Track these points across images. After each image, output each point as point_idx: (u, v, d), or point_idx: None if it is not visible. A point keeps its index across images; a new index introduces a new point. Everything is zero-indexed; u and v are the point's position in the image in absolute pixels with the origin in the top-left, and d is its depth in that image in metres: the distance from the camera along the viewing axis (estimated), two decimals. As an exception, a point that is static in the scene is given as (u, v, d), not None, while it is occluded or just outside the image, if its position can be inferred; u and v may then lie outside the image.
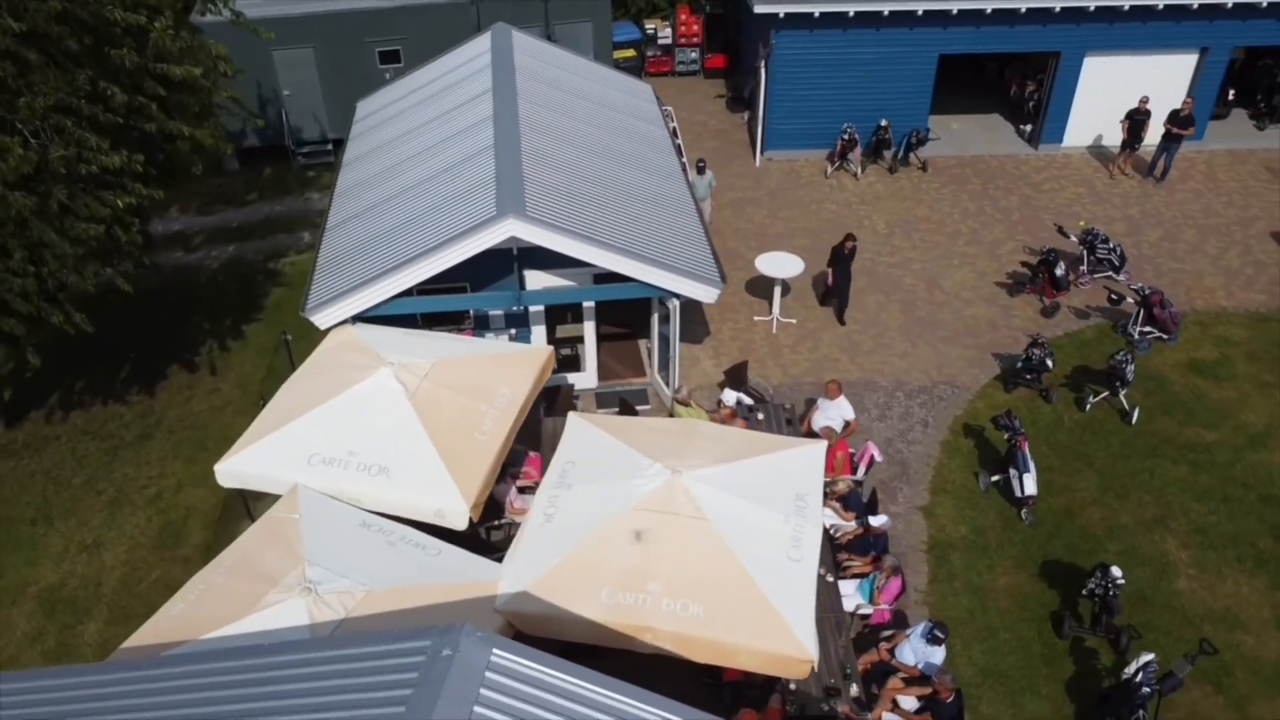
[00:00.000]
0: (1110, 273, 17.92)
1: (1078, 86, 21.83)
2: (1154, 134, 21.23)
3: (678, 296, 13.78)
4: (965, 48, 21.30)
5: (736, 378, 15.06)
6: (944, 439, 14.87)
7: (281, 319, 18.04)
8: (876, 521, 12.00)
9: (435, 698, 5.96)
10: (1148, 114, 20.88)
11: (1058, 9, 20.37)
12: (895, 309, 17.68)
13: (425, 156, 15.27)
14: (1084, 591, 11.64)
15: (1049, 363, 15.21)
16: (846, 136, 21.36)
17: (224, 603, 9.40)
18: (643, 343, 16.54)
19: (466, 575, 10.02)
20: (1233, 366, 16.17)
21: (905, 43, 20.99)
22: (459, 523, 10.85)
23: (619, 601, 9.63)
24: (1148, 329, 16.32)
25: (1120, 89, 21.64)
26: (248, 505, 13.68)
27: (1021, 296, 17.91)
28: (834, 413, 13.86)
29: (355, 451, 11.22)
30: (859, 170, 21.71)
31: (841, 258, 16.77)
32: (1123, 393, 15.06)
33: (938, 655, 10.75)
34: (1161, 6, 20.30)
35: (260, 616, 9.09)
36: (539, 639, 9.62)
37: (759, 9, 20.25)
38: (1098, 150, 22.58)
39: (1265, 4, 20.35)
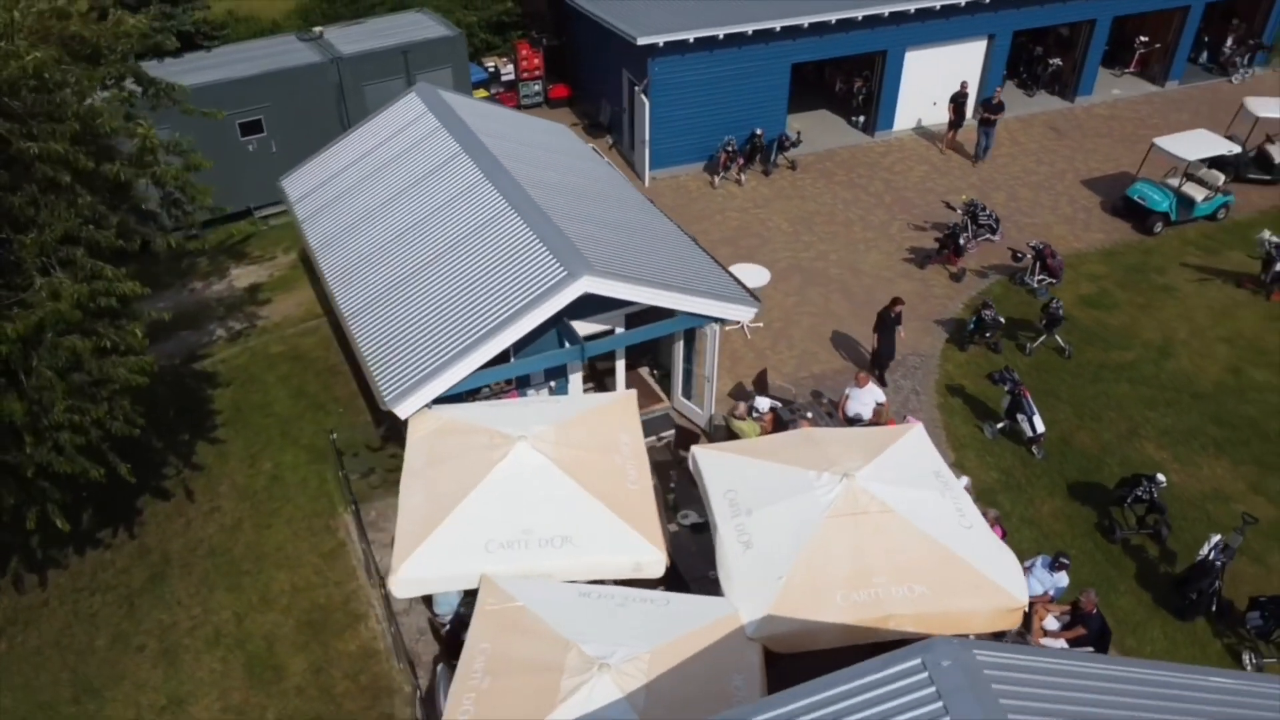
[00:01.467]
0: (989, 235, 20.91)
1: (901, 78, 24.91)
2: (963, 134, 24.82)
3: (721, 321, 14.75)
4: (812, 56, 23.66)
5: (761, 386, 16.25)
6: (938, 402, 16.93)
7: (250, 420, 16.90)
8: (964, 483, 13.72)
9: (969, 701, 6.82)
10: (966, 95, 24.30)
11: (886, 14, 23.19)
12: (838, 298, 19.59)
13: (429, 225, 15.06)
14: (1130, 500, 14.03)
15: (1000, 319, 17.72)
16: (730, 148, 23.03)
17: (518, 704, 9.35)
18: (642, 370, 17.26)
19: (708, 616, 10.54)
20: (1113, 297, 19.58)
21: (764, 57, 22.96)
22: (657, 571, 11.28)
23: (854, 600, 10.62)
24: (1042, 277, 19.33)
25: (930, 77, 25.01)
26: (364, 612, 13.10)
27: (930, 268, 20.45)
28: (867, 399, 15.43)
29: (530, 529, 11.29)
30: (741, 178, 23.46)
31: (888, 322, 16.78)
32: (1057, 333, 17.88)
33: (1063, 580, 12.66)
34: (964, 3, 23.70)
35: (573, 703, 9.18)
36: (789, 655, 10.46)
37: (642, 41, 21.36)
38: (923, 132, 25.86)
39: (1038, -7, 24.41)
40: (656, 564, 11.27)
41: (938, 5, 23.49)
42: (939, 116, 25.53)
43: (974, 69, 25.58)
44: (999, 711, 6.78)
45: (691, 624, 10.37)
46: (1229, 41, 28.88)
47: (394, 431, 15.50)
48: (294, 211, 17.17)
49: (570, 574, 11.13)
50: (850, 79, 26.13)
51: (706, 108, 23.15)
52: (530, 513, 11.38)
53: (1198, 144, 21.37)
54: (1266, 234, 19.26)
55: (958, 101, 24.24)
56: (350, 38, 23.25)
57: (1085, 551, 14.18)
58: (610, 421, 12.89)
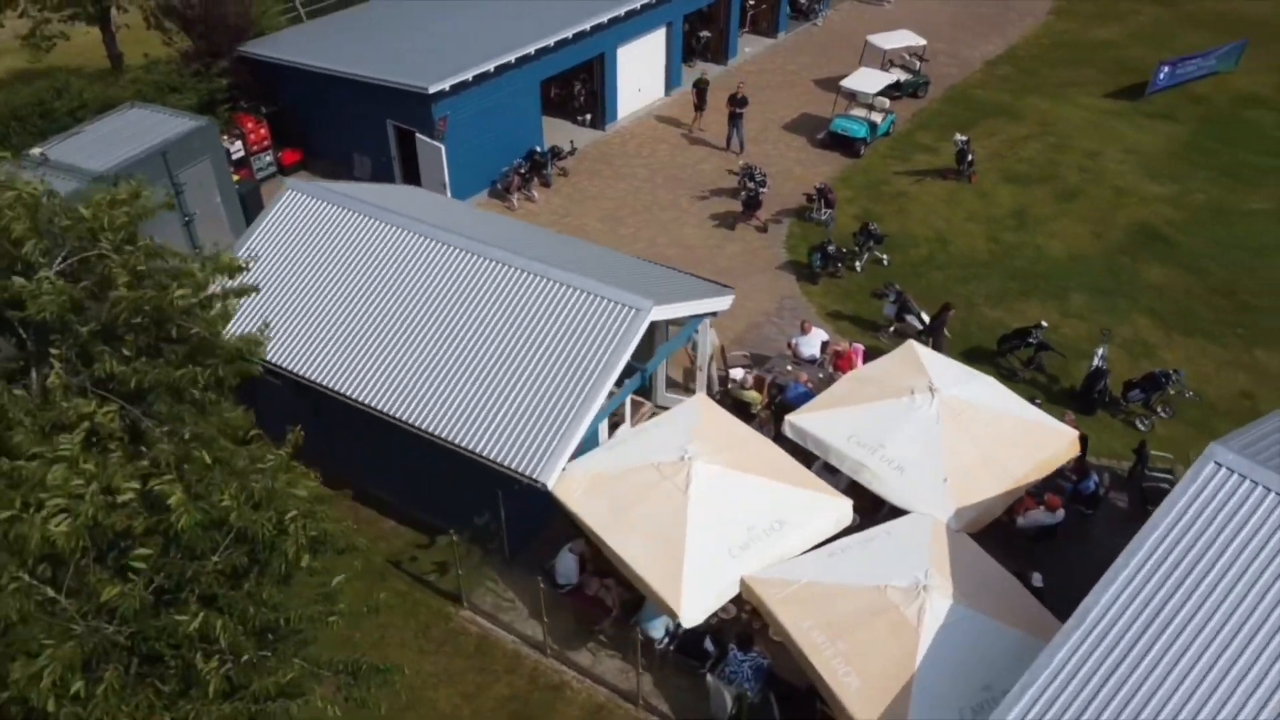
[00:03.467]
0: (761, 189, 24.84)
1: (618, 73, 27.72)
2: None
3: (714, 314, 16.84)
4: (555, 70, 25.53)
5: (723, 361, 18.59)
6: (830, 329, 20.49)
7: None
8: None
9: (1270, 473, 10.38)
10: (707, 83, 27.77)
11: (606, 20, 25.74)
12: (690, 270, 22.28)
13: (448, 316, 15.05)
14: (1020, 346, 18.77)
15: (843, 250, 21.68)
16: (526, 170, 24.27)
17: (887, 645, 11.29)
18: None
19: (921, 530, 13.03)
20: (872, 212, 24.48)
21: (522, 79, 24.42)
22: (849, 519, 13.53)
23: (995, 474, 13.94)
24: (826, 210, 23.72)
25: (633, 68, 28.18)
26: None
27: (741, 228, 23.88)
28: (814, 341, 18.53)
29: (751, 526, 12.96)
30: (534, 193, 24.86)
31: (936, 328, 19.18)
32: (880, 250, 22.29)
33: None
34: (653, 0, 27.03)
35: (928, 622, 11.33)
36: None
37: (432, 89, 21.77)
38: (652, 116, 28.99)
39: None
40: (849, 513, 13.52)
41: (639, 4, 26.55)
42: (644, 100, 28.93)
43: (661, 53, 29.19)
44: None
45: (921, 539, 12.85)
46: (801, -7, 35.65)
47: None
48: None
49: (800, 548, 12.97)
50: (568, 84, 28.31)
51: (487, 136, 24.10)
52: (742, 513, 12.96)
53: (872, 79, 27.05)
54: (958, 135, 25.40)
55: (698, 87, 27.60)
56: (85, 151, 20.48)
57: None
58: (712, 421, 14.60)
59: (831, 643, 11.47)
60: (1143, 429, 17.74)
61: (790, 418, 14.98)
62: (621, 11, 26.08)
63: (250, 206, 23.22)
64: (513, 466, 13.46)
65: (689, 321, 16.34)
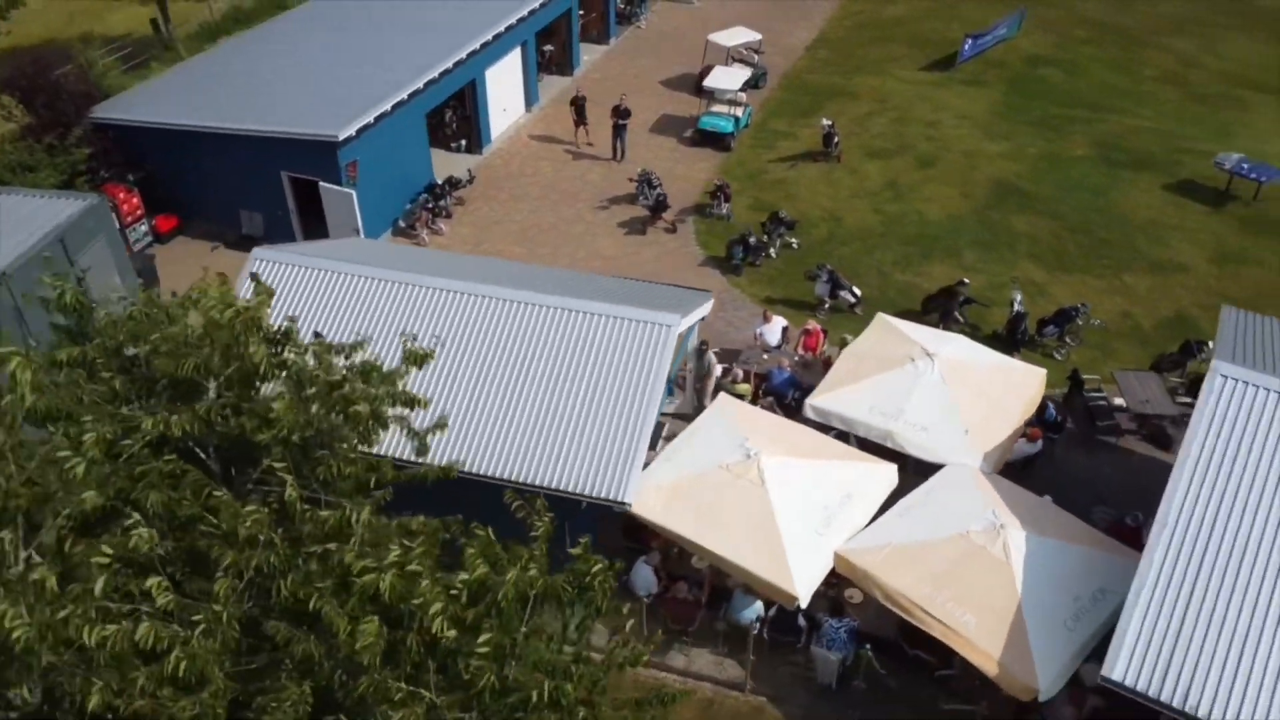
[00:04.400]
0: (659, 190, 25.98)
1: (488, 96, 27.87)
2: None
3: (702, 319, 17.86)
4: (437, 100, 25.44)
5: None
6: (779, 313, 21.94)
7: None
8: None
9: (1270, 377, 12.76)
10: (584, 98, 28.26)
11: (479, 45, 25.87)
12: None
13: (483, 356, 15.16)
14: (946, 302, 21.02)
15: (763, 239, 23.18)
16: (432, 205, 24.09)
17: (986, 586, 12.79)
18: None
19: (962, 480, 14.70)
20: (763, 200, 26.19)
21: (411, 114, 24.21)
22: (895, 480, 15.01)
23: (997, 411, 15.82)
24: (725, 204, 25.21)
25: (497, 89, 28.45)
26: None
27: (651, 231, 24.89)
28: (776, 328, 19.91)
29: (826, 505, 14.14)
30: (441, 225, 24.72)
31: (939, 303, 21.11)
32: (790, 235, 23.97)
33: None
34: (515, 20, 27.38)
35: (1014, 557, 12.98)
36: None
37: (341, 135, 21.27)
38: (525, 135, 29.26)
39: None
40: (895, 475, 15.00)
41: (503, 28, 26.84)
42: (510, 120, 29.33)
43: (519, 72, 29.58)
44: None
45: (969, 487, 14.49)
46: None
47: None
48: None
49: (868, 515, 14.31)
50: (438, 112, 28.11)
51: (387, 175, 23.74)
52: (815, 493, 14.14)
53: (732, 76, 28.75)
54: (825, 120, 27.54)
55: (577, 104, 28.09)
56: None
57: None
58: (749, 418, 15.69)
59: (939, 592, 12.86)
60: (1059, 359, 20.41)
61: (811, 401, 16.26)
62: (490, 35, 26.31)
63: (149, 283, 21.75)
64: (593, 494, 13.93)
65: (690, 329, 17.25)
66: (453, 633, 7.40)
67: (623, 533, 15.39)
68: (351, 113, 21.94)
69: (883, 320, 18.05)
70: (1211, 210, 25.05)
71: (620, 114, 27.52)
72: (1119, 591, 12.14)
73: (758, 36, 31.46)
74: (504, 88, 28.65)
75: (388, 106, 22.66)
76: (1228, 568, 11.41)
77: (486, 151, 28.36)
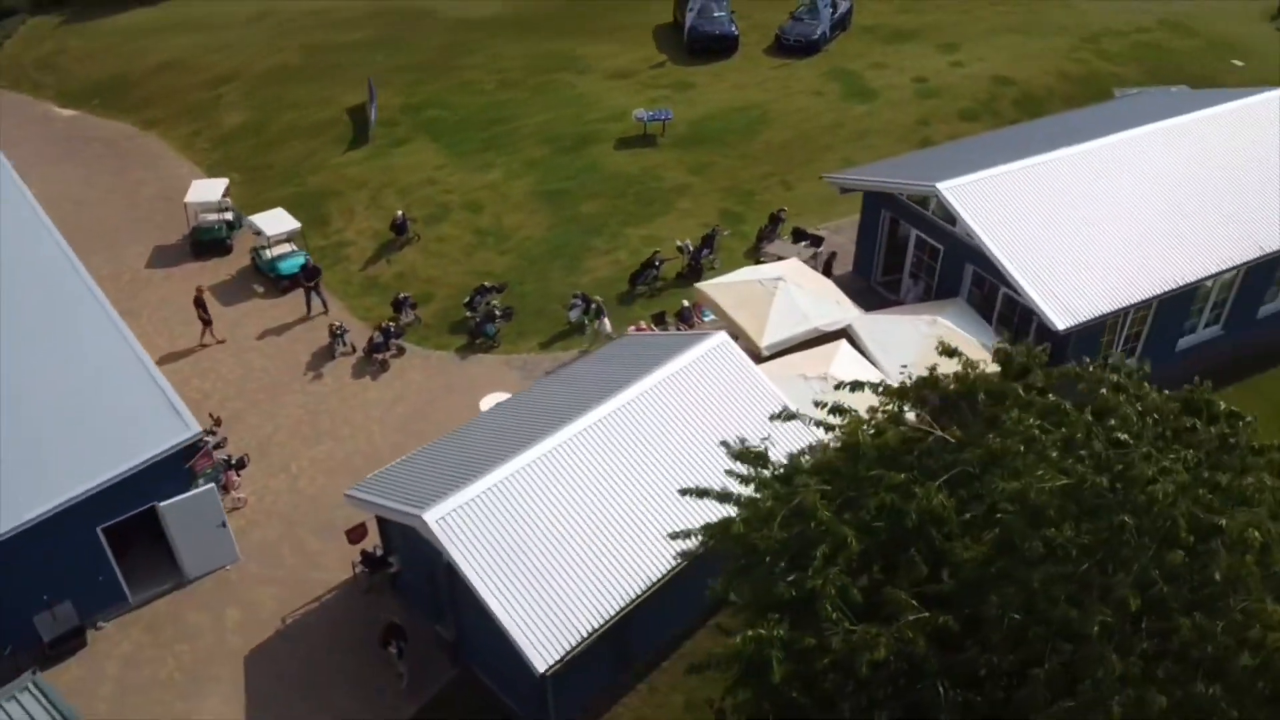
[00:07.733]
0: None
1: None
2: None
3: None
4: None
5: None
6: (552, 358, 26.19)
7: None
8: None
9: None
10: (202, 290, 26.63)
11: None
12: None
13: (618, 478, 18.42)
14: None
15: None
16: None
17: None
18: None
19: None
20: (421, 286, 28.67)
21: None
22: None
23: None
24: (413, 312, 27.52)
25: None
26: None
27: (392, 364, 26.10)
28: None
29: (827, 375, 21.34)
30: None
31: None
32: (498, 298, 27.52)
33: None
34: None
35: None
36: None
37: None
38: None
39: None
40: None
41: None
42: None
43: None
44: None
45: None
46: None
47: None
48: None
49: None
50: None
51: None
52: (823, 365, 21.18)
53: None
54: (399, 211, 30.27)
55: (198, 300, 25.59)
56: None
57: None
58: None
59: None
60: (716, 267, 29.22)
61: (768, 342, 22.69)
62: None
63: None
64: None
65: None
66: None
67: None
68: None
69: (700, 289, 24.84)
70: (655, 149, 35.41)
71: (310, 275, 27.95)
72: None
73: (224, 183, 31.84)
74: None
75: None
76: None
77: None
